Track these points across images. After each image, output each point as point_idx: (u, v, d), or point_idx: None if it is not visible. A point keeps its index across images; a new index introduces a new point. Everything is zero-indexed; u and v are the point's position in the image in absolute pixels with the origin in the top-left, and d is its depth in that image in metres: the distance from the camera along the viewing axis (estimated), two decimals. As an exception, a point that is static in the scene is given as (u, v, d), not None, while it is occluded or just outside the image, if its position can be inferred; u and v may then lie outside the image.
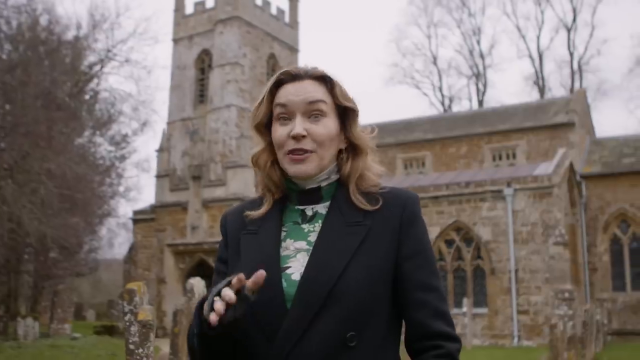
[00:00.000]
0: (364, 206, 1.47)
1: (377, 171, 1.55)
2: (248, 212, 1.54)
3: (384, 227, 1.46)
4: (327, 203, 1.51)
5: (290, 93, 1.49)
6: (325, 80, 1.51)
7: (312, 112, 1.48)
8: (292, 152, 1.47)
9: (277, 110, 1.50)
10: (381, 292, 1.43)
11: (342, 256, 1.40)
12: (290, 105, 1.48)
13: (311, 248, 1.45)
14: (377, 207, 1.47)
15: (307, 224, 1.51)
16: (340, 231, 1.44)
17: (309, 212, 1.53)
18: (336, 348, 1.37)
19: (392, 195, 1.51)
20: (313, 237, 1.47)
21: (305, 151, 1.46)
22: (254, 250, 1.48)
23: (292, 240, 1.49)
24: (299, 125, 1.46)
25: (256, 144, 1.58)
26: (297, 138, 1.45)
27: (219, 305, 1.26)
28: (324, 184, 1.52)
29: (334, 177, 1.53)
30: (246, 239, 1.51)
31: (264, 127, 1.55)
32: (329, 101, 1.50)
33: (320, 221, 1.50)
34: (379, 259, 1.43)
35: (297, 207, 1.54)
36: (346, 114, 1.53)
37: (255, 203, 1.57)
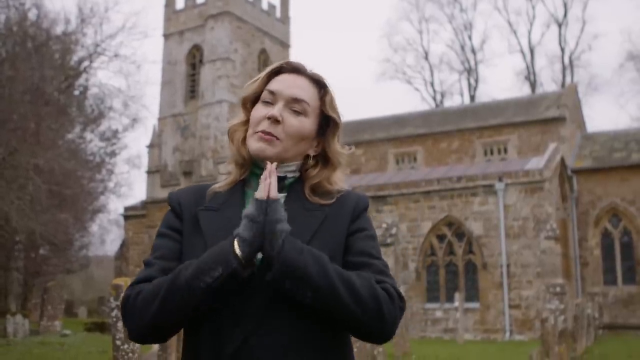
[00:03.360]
0: (318, 202, 1.54)
1: (337, 187, 1.59)
2: (213, 187, 1.58)
3: (338, 213, 1.54)
4: (285, 194, 1.55)
5: (282, 83, 1.56)
6: (320, 85, 1.58)
7: (294, 108, 1.54)
8: (262, 131, 1.52)
9: (264, 94, 1.57)
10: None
11: (303, 235, 1.45)
12: (277, 94, 1.55)
13: None
14: (331, 201, 1.54)
15: None
16: (300, 214, 1.49)
17: None
18: (299, 324, 1.40)
19: (347, 192, 1.59)
20: None
21: (275, 136, 1.52)
22: (219, 227, 1.48)
23: None
24: (278, 109, 1.53)
25: (234, 117, 1.64)
26: (271, 120, 1.51)
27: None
28: (289, 174, 1.56)
29: (297, 173, 1.58)
30: (207, 214, 1.53)
31: (250, 104, 1.61)
32: (314, 105, 1.57)
33: None
34: (336, 236, 1.51)
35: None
36: (328, 123, 1.59)
37: (210, 186, 1.60)
